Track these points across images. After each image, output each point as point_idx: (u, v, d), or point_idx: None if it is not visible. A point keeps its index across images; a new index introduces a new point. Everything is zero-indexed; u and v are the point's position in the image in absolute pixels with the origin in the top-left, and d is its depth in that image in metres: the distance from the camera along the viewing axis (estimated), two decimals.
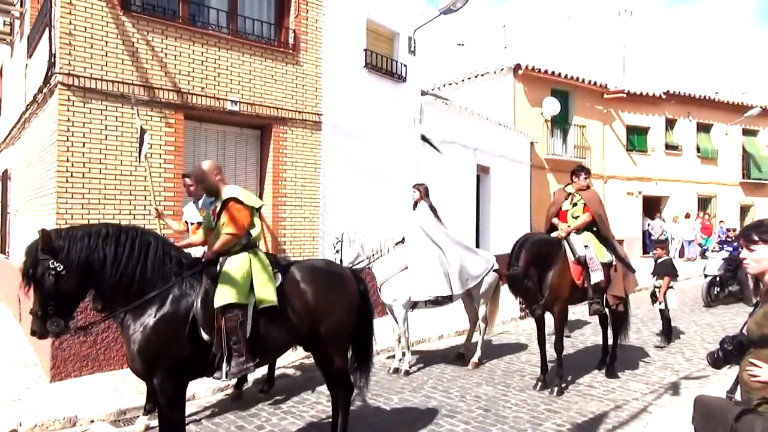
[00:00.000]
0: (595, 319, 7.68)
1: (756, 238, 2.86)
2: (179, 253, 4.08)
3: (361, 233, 7.10)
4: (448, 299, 7.14)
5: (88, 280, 3.62)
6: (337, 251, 7.01)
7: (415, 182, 7.99)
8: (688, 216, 21.12)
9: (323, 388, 5.79)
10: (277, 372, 6.61)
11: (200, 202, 6.28)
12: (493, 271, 7.50)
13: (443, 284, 6.94)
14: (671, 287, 8.57)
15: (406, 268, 6.95)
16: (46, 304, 3.46)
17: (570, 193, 6.92)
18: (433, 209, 7.35)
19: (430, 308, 7.32)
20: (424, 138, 8.69)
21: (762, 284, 2.94)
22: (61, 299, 3.49)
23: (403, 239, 7.17)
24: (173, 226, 6.42)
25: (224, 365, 3.87)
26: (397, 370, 6.97)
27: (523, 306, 6.82)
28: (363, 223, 8.91)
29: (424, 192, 7.42)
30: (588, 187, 6.87)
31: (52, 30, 6.84)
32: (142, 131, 6.47)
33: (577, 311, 9.86)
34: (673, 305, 8.54)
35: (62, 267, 3.46)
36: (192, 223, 6.25)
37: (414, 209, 7.46)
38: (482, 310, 7.53)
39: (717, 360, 3.02)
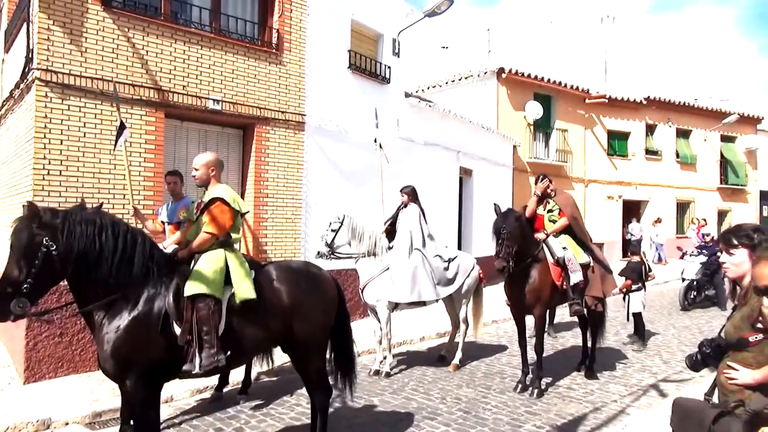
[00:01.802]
0: (576, 320, 7.72)
1: (735, 242, 2.89)
2: (159, 253, 4.01)
3: (362, 227, 6.99)
4: (431, 300, 7.13)
5: (76, 269, 3.50)
6: (333, 230, 6.86)
7: (394, 184, 7.98)
8: (659, 221, 21.21)
9: (303, 391, 5.74)
10: (257, 374, 6.55)
11: (181, 203, 6.22)
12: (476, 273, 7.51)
13: (426, 289, 6.92)
14: (637, 289, 8.61)
15: (388, 269, 6.93)
16: (21, 282, 3.29)
17: (542, 198, 6.93)
18: (422, 211, 7.32)
19: (412, 309, 7.30)
20: (379, 144, 8.62)
21: (739, 288, 2.96)
22: (40, 281, 3.35)
23: (393, 246, 7.14)
24: (149, 226, 6.34)
25: (196, 358, 3.76)
26: (378, 372, 6.93)
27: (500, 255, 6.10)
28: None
29: (411, 194, 7.36)
30: (549, 191, 6.89)
31: (29, 25, 6.72)
32: (122, 124, 6.38)
33: (558, 313, 9.91)
34: (636, 308, 8.61)
35: (55, 247, 3.34)
36: (169, 224, 6.17)
37: (401, 211, 7.41)
38: (462, 312, 7.53)
39: (695, 363, 3.04)
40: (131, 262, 3.69)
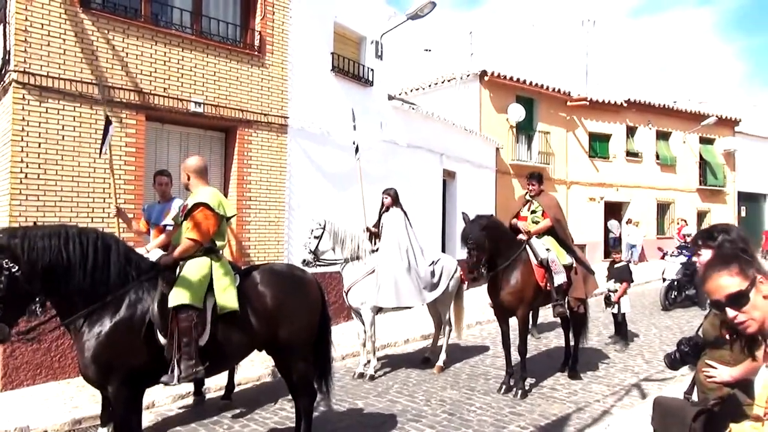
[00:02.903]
0: (559, 321, 7.77)
1: (699, 242, 3.00)
2: (139, 258, 3.97)
3: (344, 231, 6.97)
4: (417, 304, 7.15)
5: (46, 285, 3.45)
6: (316, 237, 6.83)
7: (377, 186, 7.97)
8: (631, 222, 21.44)
9: (286, 395, 5.70)
10: (241, 378, 6.50)
11: (168, 204, 6.08)
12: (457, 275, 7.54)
13: (412, 295, 6.92)
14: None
15: (374, 271, 6.93)
16: None
17: (528, 200, 7.04)
18: (405, 213, 7.32)
19: (396, 311, 7.31)
20: (356, 147, 8.53)
21: None
22: (9, 304, 3.28)
23: (377, 249, 7.14)
24: (132, 226, 6.28)
25: (176, 369, 3.73)
26: (362, 375, 6.92)
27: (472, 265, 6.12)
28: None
29: (394, 197, 7.35)
30: (540, 192, 6.98)
31: (6, 26, 6.63)
32: (108, 121, 6.29)
33: (542, 314, 9.97)
34: (626, 309, 8.71)
35: (17, 268, 3.27)
36: (155, 225, 6.09)
37: (383, 214, 7.40)
38: (446, 315, 7.55)
39: (674, 362, 3.08)
40: (107, 269, 3.64)
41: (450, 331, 7.62)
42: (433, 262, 7.32)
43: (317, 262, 6.86)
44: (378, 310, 7.03)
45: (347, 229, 7.04)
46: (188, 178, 4.35)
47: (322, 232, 6.84)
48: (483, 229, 6.07)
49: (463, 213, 6.44)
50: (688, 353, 2.99)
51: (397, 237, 7.06)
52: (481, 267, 6.04)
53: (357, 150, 8.48)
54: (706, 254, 2.92)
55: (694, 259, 3.08)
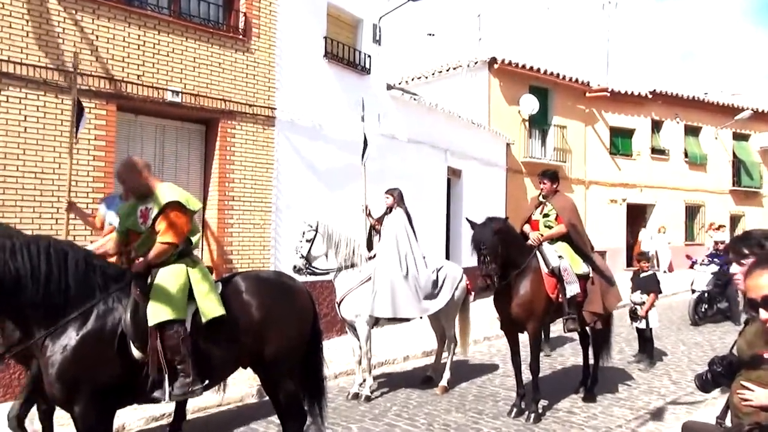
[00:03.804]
0: (576, 336, 7.77)
1: (746, 251, 2.90)
2: (103, 264, 3.97)
3: (339, 233, 6.97)
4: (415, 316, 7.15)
5: None
6: (308, 240, 6.82)
7: (373, 186, 7.94)
8: (662, 230, 21.56)
9: (274, 417, 5.69)
10: (222, 399, 6.49)
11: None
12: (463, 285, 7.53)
13: (409, 304, 6.91)
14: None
15: (369, 279, 6.93)
16: None
17: (541, 202, 6.98)
18: (408, 217, 7.33)
19: (394, 324, 7.30)
20: (365, 140, 8.35)
21: None
22: None
23: (374, 255, 7.14)
24: (87, 223, 6.28)
25: (166, 386, 3.75)
26: (357, 396, 6.92)
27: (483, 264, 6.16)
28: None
29: (398, 197, 7.35)
30: (555, 192, 6.94)
31: None
32: (80, 106, 6.30)
33: (556, 328, 9.98)
34: (654, 324, 8.70)
35: None
36: (110, 224, 5.98)
37: (386, 215, 7.40)
38: (450, 328, 7.53)
39: (705, 383, 3.07)
40: (64, 279, 3.63)
41: (455, 347, 7.62)
42: (435, 270, 7.32)
43: (309, 269, 6.87)
44: (375, 322, 7.03)
45: (342, 232, 7.04)
46: (144, 177, 4.24)
47: (315, 235, 6.85)
48: (496, 233, 6.08)
49: (467, 219, 6.46)
50: (721, 373, 2.98)
51: (396, 240, 7.07)
52: (495, 275, 6.02)
53: (366, 147, 8.29)
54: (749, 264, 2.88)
55: (733, 269, 2.99)
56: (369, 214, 7.67)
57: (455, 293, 7.37)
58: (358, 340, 7.03)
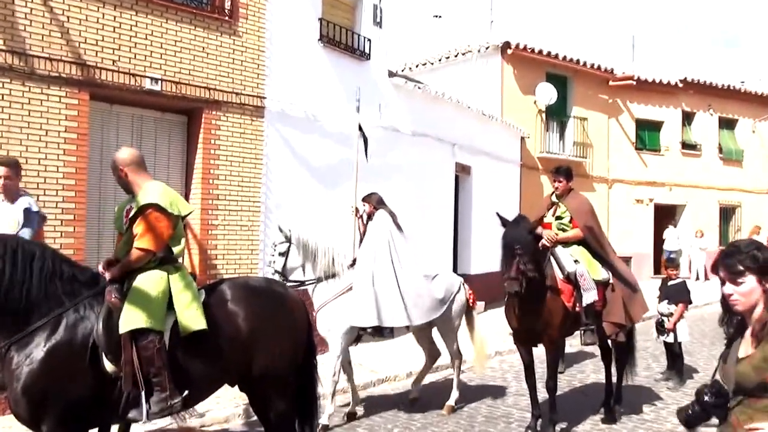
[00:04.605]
0: (596, 351, 7.77)
1: (741, 268, 2.75)
2: (73, 268, 3.99)
3: (315, 243, 6.92)
4: (403, 329, 7.06)
5: None
6: (281, 253, 6.77)
7: (373, 184, 7.91)
8: (699, 234, 21.58)
9: None
10: (205, 420, 6.51)
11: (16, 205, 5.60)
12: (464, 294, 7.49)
13: (395, 313, 6.84)
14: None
15: (350, 289, 6.84)
16: None
17: (554, 202, 6.94)
18: (393, 216, 7.29)
19: (378, 341, 7.23)
20: (362, 134, 8.33)
21: (748, 321, 2.91)
22: None
23: (355, 261, 7.14)
24: None
25: (143, 403, 3.77)
26: (353, 416, 6.89)
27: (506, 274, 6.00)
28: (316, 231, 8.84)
29: (376, 201, 7.32)
30: (569, 191, 6.90)
31: None
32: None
33: (575, 342, 9.98)
34: (684, 337, 8.67)
35: None
36: None
37: (365, 224, 7.40)
38: (453, 343, 7.47)
39: (692, 417, 2.96)
40: (27, 285, 3.65)
41: (460, 363, 7.60)
42: (429, 278, 7.27)
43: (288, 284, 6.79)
44: (355, 338, 6.97)
45: (318, 240, 6.98)
46: (125, 175, 4.26)
47: (289, 246, 6.81)
48: (530, 232, 6.04)
49: (497, 214, 6.35)
50: (713, 405, 2.88)
51: (379, 244, 7.04)
52: (532, 274, 5.88)
53: (366, 142, 8.28)
54: (748, 281, 2.76)
55: (727, 289, 2.80)
56: (360, 217, 7.63)
57: (453, 306, 7.33)
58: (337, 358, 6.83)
